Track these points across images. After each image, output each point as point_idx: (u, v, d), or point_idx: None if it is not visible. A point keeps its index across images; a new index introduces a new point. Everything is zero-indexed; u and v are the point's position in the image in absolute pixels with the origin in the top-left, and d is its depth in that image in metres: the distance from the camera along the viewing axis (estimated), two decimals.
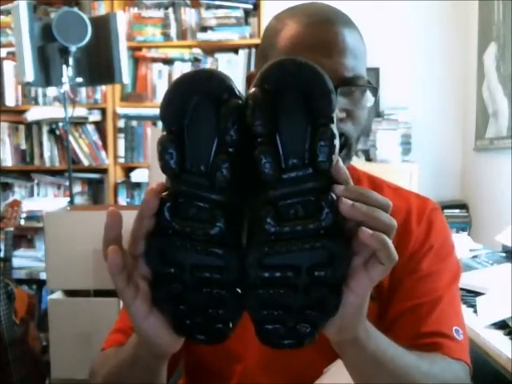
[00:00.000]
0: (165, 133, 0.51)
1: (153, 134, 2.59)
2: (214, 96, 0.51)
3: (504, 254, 2.01)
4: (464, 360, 0.78)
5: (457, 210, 2.92)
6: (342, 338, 0.57)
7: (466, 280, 1.66)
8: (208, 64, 3.13)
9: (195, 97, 0.51)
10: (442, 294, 0.82)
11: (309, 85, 0.50)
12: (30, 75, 2.42)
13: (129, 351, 0.65)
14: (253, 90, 0.51)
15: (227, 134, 0.50)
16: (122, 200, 3.18)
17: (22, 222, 2.95)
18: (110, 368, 0.72)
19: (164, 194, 0.51)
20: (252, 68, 3.08)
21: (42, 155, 3.23)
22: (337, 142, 0.50)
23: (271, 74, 0.51)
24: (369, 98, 0.83)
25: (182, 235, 0.51)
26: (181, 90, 0.51)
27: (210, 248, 0.51)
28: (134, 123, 3.17)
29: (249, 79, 0.86)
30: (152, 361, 0.62)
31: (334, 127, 0.50)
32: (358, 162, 2.93)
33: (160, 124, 3.29)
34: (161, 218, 0.51)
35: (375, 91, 0.81)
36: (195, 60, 3.16)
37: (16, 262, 2.84)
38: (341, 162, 0.52)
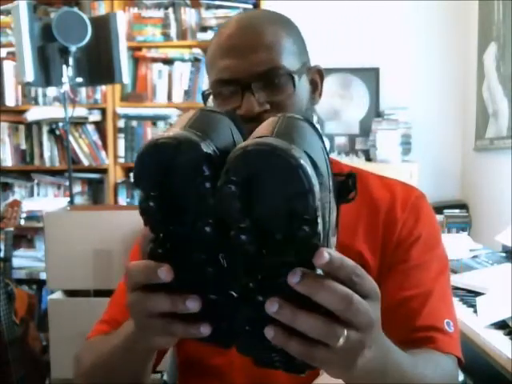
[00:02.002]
0: (143, 197, 0.51)
1: (153, 134, 2.58)
2: (187, 168, 0.49)
3: (504, 254, 2.01)
4: (455, 354, 0.80)
5: (457, 210, 2.91)
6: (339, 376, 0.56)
7: (466, 280, 1.66)
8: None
9: (167, 170, 0.50)
10: (433, 286, 0.84)
11: (283, 181, 0.47)
12: (30, 75, 2.42)
13: (121, 341, 0.66)
14: (221, 186, 0.48)
15: (205, 212, 0.50)
16: (122, 200, 3.18)
17: (22, 222, 2.94)
18: (98, 355, 0.74)
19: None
20: None
21: (42, 155, 3.23)
22: (321, 234, 0.48)
23: (239, 165, 0.48)
24: (302, 88, 0.85)
25: (174, 287, 0.53)
26: (149, 164, 0.50)
27: (204, 297, 0.53)
28: (134, 123, 3.16)
29: (204, 97, 0.87)
30: (146, 352, 0.65)
31: (318, 221, 0.48)
32: (358, 162, 2.94)
33: (160, 124, 3.29)
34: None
35: (292, 78, 0.82)
36: (195, 60, 3.16)
37: (16, 262, 2.83)
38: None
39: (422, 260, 0.85)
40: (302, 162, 0.47)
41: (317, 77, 0.91)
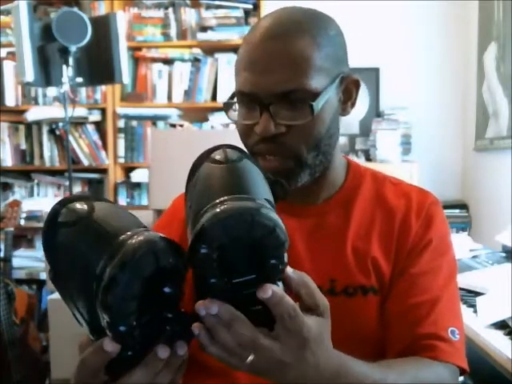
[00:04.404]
0: (113, 323, 0.53)
1: (153, 134, 2.58)
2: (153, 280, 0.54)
3: (504, 254, 2.01)
4: (455, 363, 0.80)
5: (457, 210, 2.91)
6: None
7: (466, 280, 1.66)
8: (208, 64, 3.13)
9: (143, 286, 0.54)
10: (442, 293, 0.84)
11: (261, 241, 0.52)
12: (30, 75, 2.42)
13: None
14: (198, 253, 0.52)
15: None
16: (122, 200, 3.18)
17: (22, 222, 2.95)
18: None
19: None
20: None
21: (42, 155, 3.23)
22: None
23: (215, 234, 0.51)
24: (328, 106, 0.80)
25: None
26: (127, 289, 0.52)
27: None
28: (134, 123, 3.17)
29: (226, 106, 0.84)
30: None
31: (284, 255, 0.54)
32: (357, 162, 2.93)
33: (160, 124, 3.28)
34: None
35: (311, 105, 0.77)
36: (195, 60, 3.16)
37: (16, 262, 2.83)
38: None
39: (431, 266, 0.85)
40: (277, 220, 0.52)
41: (352, 86, 0.86)
